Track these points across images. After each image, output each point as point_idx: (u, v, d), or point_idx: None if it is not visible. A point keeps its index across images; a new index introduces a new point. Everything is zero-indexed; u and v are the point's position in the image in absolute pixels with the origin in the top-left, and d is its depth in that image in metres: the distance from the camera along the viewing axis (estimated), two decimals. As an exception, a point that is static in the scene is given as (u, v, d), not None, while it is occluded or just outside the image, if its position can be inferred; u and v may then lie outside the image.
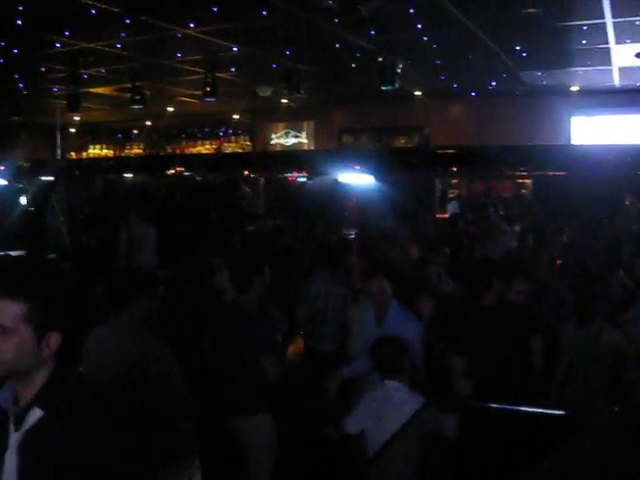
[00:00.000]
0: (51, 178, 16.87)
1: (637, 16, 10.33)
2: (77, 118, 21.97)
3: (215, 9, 10.10)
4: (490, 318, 5.57)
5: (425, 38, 12.11)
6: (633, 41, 11.90)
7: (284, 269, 7.89)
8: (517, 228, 12.46)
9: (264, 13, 10.33)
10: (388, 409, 4.63)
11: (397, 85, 13.58)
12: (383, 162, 15.03)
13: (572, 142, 17.68)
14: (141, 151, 25.31)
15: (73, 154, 25.43)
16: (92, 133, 25.78)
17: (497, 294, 5.71)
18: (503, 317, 5.56)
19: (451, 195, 19.67)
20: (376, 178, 15.34)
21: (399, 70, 13.50)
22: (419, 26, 11.24)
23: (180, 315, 6.15)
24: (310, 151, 21.49)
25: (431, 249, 8.63)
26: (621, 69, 14.49)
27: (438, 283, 7.72)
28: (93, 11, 10.15)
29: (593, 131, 17.71)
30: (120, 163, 21.22)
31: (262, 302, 5.55)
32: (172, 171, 17.94)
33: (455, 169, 16.53)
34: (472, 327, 5.62)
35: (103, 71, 15.27)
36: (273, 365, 5.11)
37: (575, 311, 6.48)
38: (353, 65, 14.51)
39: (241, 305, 5.38)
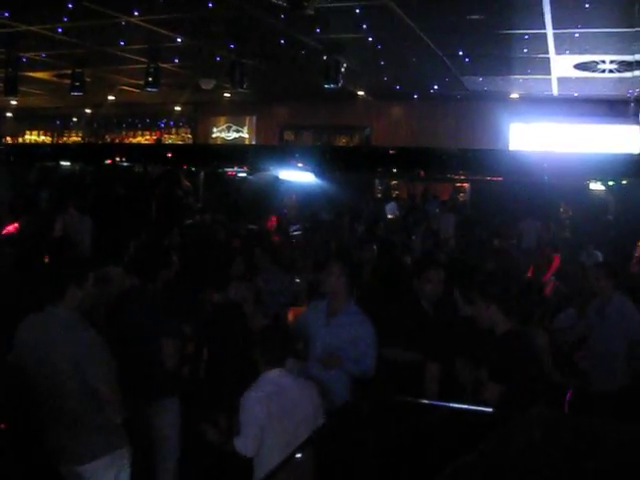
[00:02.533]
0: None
1: (576, 28, 10.56)
2: (14, 102, 21.52)
3: (160, -2, 10.02)
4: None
5: (370, 39, 12.18)
6: (572, 52, 12.16)
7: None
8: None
9: (210, 5, 10.27)
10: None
11: (341, 84, 13.63)
12: (323, 160, 15.06)
13: (510, 148, 17.96)
14: (80, 139, 24.93)
15: (9, 139, 24.91)
16: (29, 118, 25.26)
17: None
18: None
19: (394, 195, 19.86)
20: (316, 176, 15.38)
21: (343, 69, 13.54)
22: (364, 27, 11.30)
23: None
24: (252, 146, 21.43)
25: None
26: (560, 79, 14.79)
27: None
28: (35, -7, 9.98)
29: (531, 138, 18.04)
30: (57, 150, 20.84)
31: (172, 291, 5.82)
32: (110, 160, 17.70)
33: (395, 170, 16.65)
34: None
35: (43, 55, 14.99)
36: (172, 350, 5.29)
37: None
38: (298, 62, 14.51)
39: (145, 292, 5.59)
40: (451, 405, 4.07)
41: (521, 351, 5.17)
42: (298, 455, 3.94)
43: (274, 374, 4.76)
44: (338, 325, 5.54)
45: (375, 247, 9.72)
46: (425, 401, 4.78)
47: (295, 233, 13.74)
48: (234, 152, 18.93)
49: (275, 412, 4.61)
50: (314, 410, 4.78)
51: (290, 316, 7.88)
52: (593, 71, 13.49)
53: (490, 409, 4.33)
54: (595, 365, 6.74)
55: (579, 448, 2.58)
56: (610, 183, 14.67)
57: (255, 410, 4.61)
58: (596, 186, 15.64)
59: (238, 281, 6.98)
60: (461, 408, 4.18)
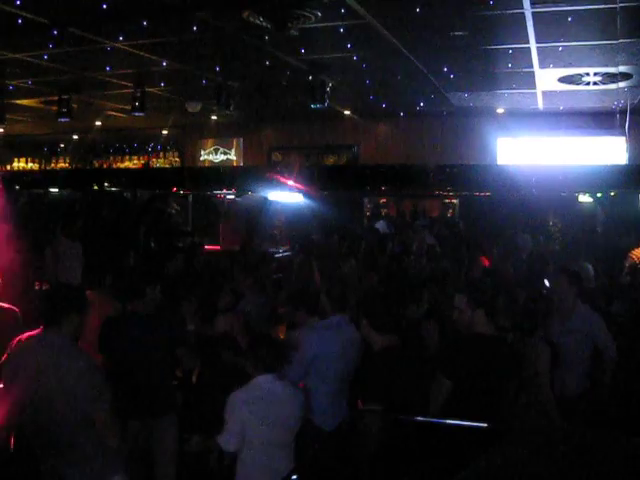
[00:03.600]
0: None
1: (560, 42, 10.63)
2: (1, 130, 21.47)
3: (145, 23, 10.01)
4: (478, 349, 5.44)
5: (355, 58, 12.22)
6: (556, 66, 12.23)
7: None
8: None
9: (194, 28, 10.30)
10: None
11: (327, 104, 13.66)
12: (312, 180, 15.07)
13: (498, 162, 18.02)
14: (67, 165, 24.88)
15: (-4, 167, 24.87)
16: (17, 146, 25.21)
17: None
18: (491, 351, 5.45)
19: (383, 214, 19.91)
20: (305, 196, 15.38)
21: (329, 89, 13.58)
22: (349, 46, 11.34)
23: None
24: (240, 168, 21.43)
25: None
26: (545, 93, 14.87)
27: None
28: (20, 21, 9.96)
29: (518, 152, 18.11)
30: (46, 177, 20.78)
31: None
32: (99, 186, 17.66)
33: (383, 188, 16.68)
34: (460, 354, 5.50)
35: (29, 83, 14.97)
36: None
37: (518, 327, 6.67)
38: (283, 83, 14.54)
39: (136, 311, 5.89)
40: (447, 421, 4.07)
41: (483, 354, 5.26)
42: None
43: (265, 379, 4.96)
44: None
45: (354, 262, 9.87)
46: (420, 418, 4.78)
47: (285, 254, 13.78)
48: (223, 174, 18.93)
49: (259, 414, 4.83)
50: (298, 416, 5.04)
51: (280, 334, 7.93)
52: (578, 84, 13.57)
53: (484, 424, 4.32)
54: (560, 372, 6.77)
55: (578, 461, 2.57)
56: (598, 195, 14.73)
57: (239, 409, 4.86)
58: (585, 198, 15.70)
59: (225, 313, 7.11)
60: (457, 424, 4.17)
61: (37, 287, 11.18)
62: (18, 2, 9.09)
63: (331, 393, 5.95)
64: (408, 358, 5.46)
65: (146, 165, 23.42)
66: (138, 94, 14.55)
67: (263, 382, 4.91)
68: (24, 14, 9.77)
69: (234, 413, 4.82)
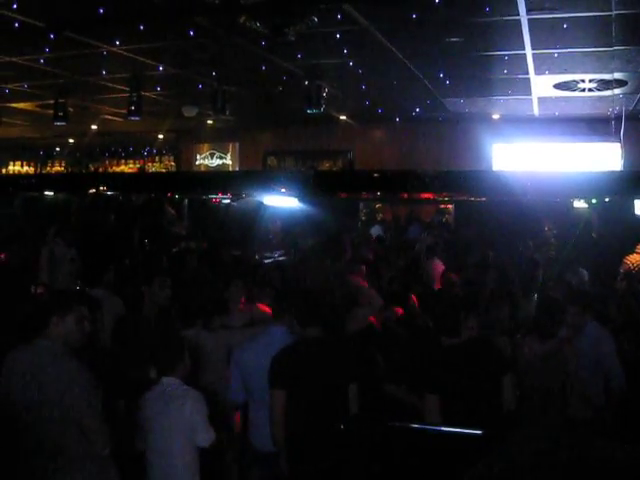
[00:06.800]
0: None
1: (555, 48, 10.66)
2: (-3, 133, 21.51)
3: (141, 27, 10.02)
4: (462, 355, 5.43)
5: (351, 63, 12.24)
6: (551, 72, 12.26)
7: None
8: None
9: (191, 33, 10.31)
10: (167, 404, 4.88)
11: (323, 109, 13.67)
12: (307, 185, 15.05)
13: (493, 168, 18.05)
14: (63, 169, 24.87)
15: (-8, 170, 24.87)
16: (12, 149, 25.20)
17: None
18: (474, 354, 5.44)
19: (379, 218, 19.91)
20: (300, 201, 15.36)
21: (325, 94, 13.60)
22: (345, 51, 11.36)
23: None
24: (235, 172, 21.41)
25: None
26: (540, 99, 14.90)
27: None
28: (16, 24, 9.96)
29: (513, 158, 18.14)
30: (41, 181, 20.75)
31: None
32: (94, 190, 17.63)
33: (379, 193, 16.68)
34: (443, 364, 5.49)
35: (25, 86, 14.98)
36: None
37: (536, 327, 6.59)
38: (279, 88, 14.56)
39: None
40: (442, 429, 4.07)
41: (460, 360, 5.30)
42: None
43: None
44: None
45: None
46: (416, 425, 4.77)
47: (280, 258, 13.77)
48: (218, 179, 18.90)
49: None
50: None
51: None
52: (573, 90, 13.61)
53: (480, 432, 4.31)
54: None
55: (580, 467, 2.56)
56: (593, 201, 14.73)
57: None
58: (580, 204, 15.71)
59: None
60: (452, 431, 4.17)
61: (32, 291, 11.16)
62: (15, 6, 9.08)
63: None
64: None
65: (142, 169, 23.42)
66: (134, 98, 14.53)
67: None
68: (20, 17, 9.77)
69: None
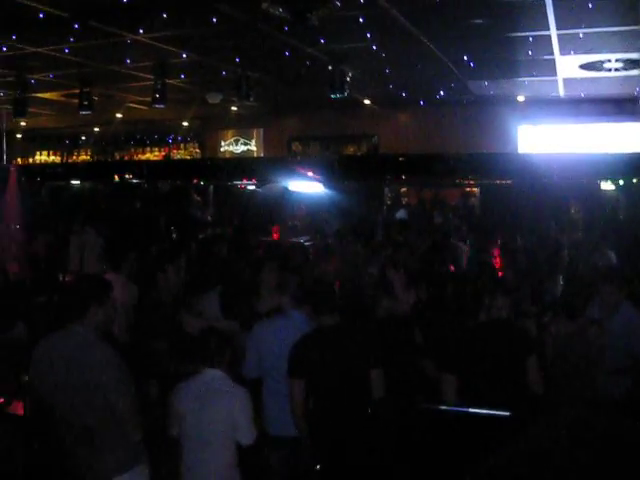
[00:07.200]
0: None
1: (580, 28, 10.55)
2: (23, 123, 21.64)
3: (164, 15, 10.05)
4: (484, 336, 5.47)
5: (374, 47, 12.19)
6: (577, 53, 12.13)
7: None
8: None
9: (214, 20, 10.32)
10: (210, 397, 4.86)
11: (347, 94, 13.64)
12: (332, 170, 15.07)
13: (519, 151, 17.94)
14: (89, 158, 25.03)
15: (19, 160, 25.02)
16: (39, 139, 25.38)
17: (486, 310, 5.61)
18: (498, 335, 5.46)
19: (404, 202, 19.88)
20: (326, 186, 15.39)
21: (348, 79, 13.57)
22: (369, 35, 11.32)
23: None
24: (260, 159, 21.47)
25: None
26: (565, 80, 14.76)
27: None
28: (41, 15, 10.03)
29: (539, 140, 18.01)
30: (68, 170, 20.94)
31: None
32: (120, 178, 17.77)
33: (403, 177, 16.66)
34: (465, 345, 5.54)
35: (51, 76, 15.08)
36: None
37: (563, 307, 6.56)
38: (303, 73, 14.54)
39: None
40: (469, 410, 4.07)
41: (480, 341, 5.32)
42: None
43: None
44: None
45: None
46: (443, 407, 4.79)
47: (306, 244, 13.79)
48: (243, 165, 18.98)
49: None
50: None
51: None
52: (599, 70, 13.45)
53: (507, 413, 4.32)
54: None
55: (608, 450, 2.55)
56: (620, 182, 14.62)
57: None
58: (607, 185, 15.59)
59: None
60: (479, 413, 4.17)
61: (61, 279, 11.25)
62: (39, -4, 9.17)
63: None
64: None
65: (167, 157, 23.52)
66: (158, 86, 14.59)
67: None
68: (45, 8, 9.84)
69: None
